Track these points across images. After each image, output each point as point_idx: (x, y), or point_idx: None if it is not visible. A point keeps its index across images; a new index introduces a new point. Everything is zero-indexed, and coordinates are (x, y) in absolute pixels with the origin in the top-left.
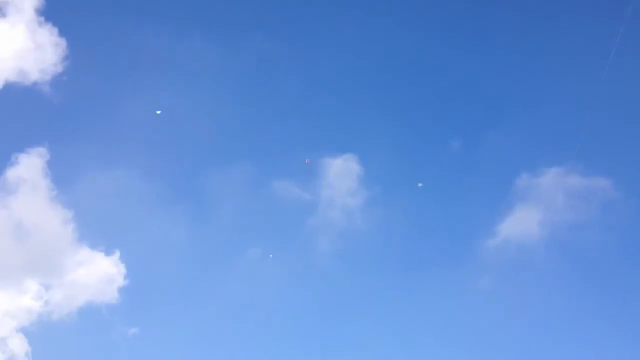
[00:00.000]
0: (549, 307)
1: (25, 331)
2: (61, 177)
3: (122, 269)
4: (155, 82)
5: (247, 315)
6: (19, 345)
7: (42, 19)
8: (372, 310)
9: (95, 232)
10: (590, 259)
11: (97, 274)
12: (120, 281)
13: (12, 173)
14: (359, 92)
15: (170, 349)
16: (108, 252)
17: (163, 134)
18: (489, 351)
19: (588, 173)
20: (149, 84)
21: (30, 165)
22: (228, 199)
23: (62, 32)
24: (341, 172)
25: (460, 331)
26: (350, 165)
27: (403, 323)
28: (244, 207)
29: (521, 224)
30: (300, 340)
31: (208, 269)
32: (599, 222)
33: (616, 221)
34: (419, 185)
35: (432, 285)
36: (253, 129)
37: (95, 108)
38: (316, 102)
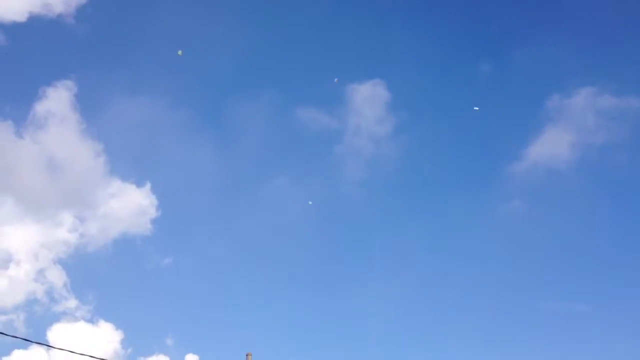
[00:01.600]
0: (580, 232)
1: (62, 263)
2: (90, 110)
3: (154, 200)
4: (180, 9)
5: (276, 243)
6: (57, 276)
7: None
8: (399, 239)
9: (126, 164)
10: (622, 181)
11: (130, 205)
12: (153, 212)
13: (40, 107)
14: (386, 16)
15: (204, 277)
16: (139, 184)
17: (189, 61)
18: (518, 275)
19: (621, 93)
20: (173, 11)
21: (58, 99)
22: (254, 126)
23: None
24: (369, 99)
25: (488, 256)
26: (378, 91)
27: (430, 250)
28: (270, 135)
29: (551, 146)
30: (326, 268)
31: (237, 198)
32: (632, 143)
33: None
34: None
35: (461, 212)
36: (278, 55)
37: (120, 39)
38: (341, 26)
